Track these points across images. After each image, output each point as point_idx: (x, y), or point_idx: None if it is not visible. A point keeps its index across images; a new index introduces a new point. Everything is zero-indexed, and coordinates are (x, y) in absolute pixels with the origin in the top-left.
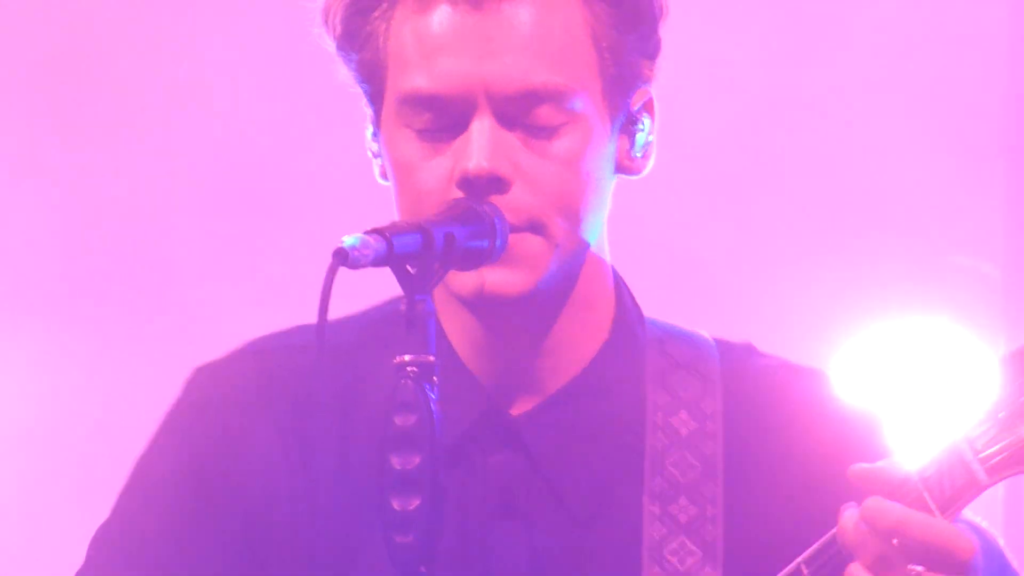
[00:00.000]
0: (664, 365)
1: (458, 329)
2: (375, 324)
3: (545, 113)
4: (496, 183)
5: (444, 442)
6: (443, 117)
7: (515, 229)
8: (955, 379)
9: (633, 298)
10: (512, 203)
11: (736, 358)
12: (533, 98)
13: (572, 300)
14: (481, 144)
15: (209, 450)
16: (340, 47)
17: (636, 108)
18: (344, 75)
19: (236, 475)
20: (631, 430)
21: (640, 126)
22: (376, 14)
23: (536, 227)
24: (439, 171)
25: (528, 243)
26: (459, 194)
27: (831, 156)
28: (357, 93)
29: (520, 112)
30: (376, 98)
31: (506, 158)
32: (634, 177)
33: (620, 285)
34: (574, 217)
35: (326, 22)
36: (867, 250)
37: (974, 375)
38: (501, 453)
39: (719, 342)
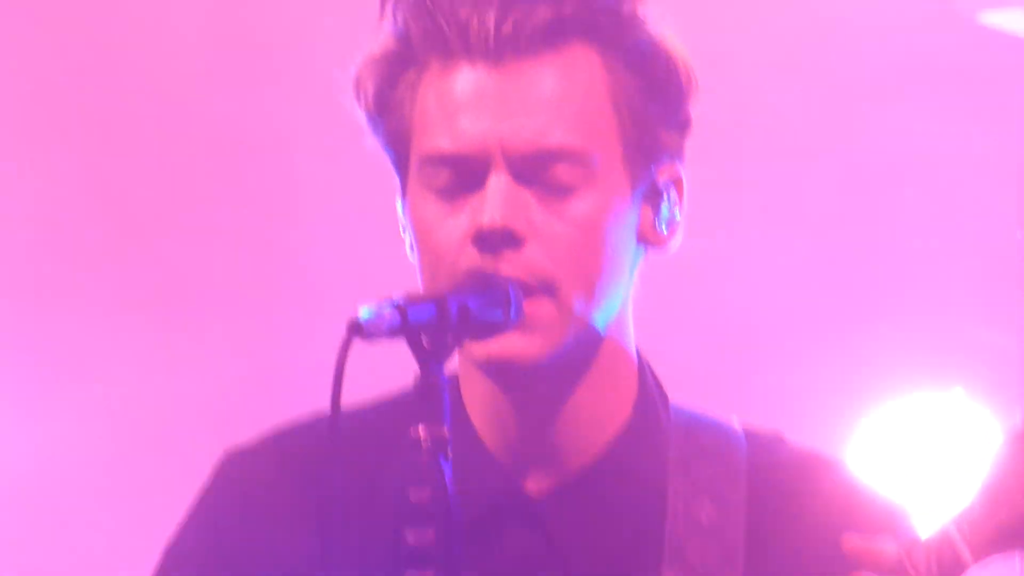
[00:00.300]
0: (688, 451)
1: (477, 399)
2: (392, 404)
3: (561, 172)
4: (510, 239)
5: (460, 518)
6: (461, 176)
7: (529, 292)
8: (969, 455)
9: (658, 380)
10: (526, 261)
11: (762, 447)
12: (549, 157)
13: (592, 375)
14: (496, 200)
15: (236, 535)
16: (370, 117)
17: (662, 182)
18: (373, 144)
19: (262, 558)
20: (651, 516)
21: (665, 200)
22: (404, 83)
23: (550, 289)
24: (456, 231)
25: (542, 308)
26: (475, 252)
27: (847, 228)
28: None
29: (536, 170)
30: (402, 165)
31: (521, 215)
32: (660, 252)
33: (644, 365)
34: (589, 280)
35: (357, 93)
36: (882, 324)
37: (987, 451)
38: (518, 532)
39: (747, 430)
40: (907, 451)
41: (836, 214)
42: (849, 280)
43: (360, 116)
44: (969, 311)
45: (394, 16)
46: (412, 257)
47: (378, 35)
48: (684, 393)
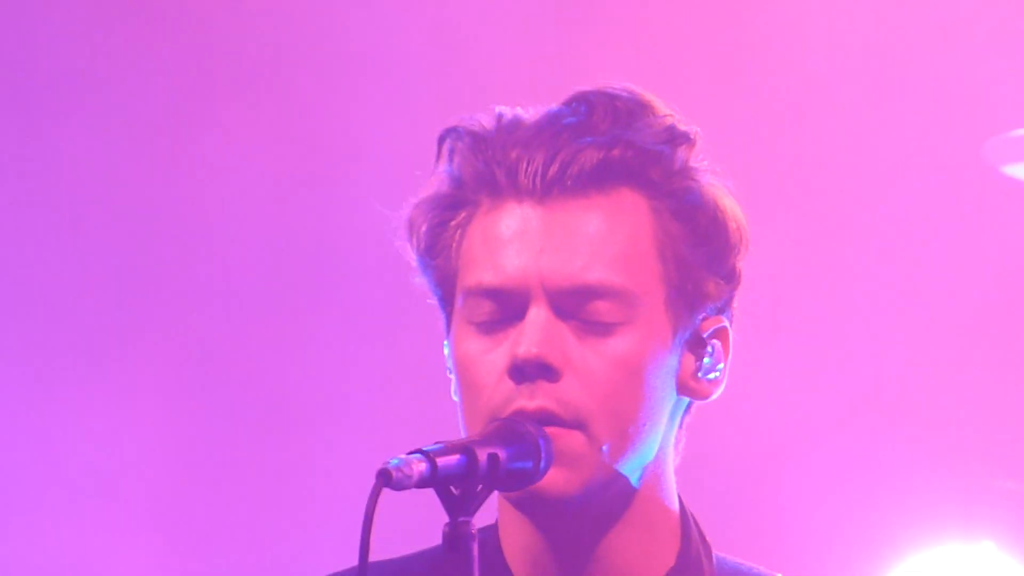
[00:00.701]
0: None
1: (515, 545)
2: (421, 556)
3: (602, 309)
4: (545, 371)
5: None
6: (503, 309)
7: (560, 423)
8: None
9: (701, 531)
10: (561, 394)
11: None
12: (589, 293)
13: (629, 521)
14: (533, 331)
15: None
16: (420, 257)
17: (707, 333)
18: (421, 283)
19: None
20: None
21: (709, 350)
22: (454, 224)
23: (582, 424)
24: (496, 365)
25: (573, 440)
26: (511, 385)
27: (880, 365)
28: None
29: (576, 306)
30: (448, 303)
31: (558, 348)
32: (700, 402)
33: (686, 515)
34: (623, 418)
35: (410, 234)
36: (911, 475)
37: None
38: None
39: None
40: None
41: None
42: (874, 431)
43: (411, 256)
44: (998, 462)
45: (449, 159)
46: (455, 396)
47: (432, 177)
48: (722, 541)
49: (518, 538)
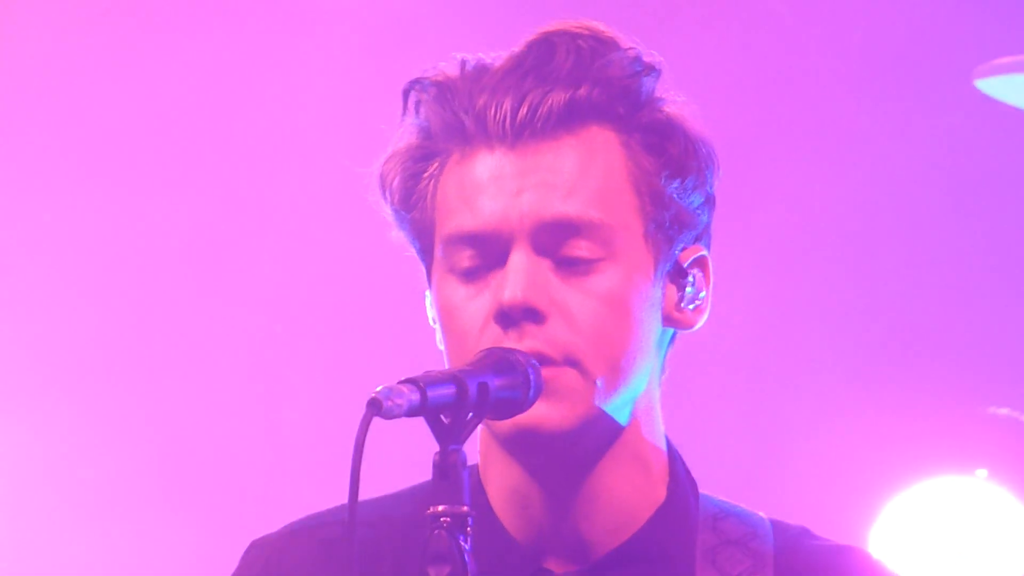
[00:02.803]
0: (715, 541)
1: (498, 483)
2: (413, 491)
3: (582, 246)
4: (531, 314)
5: None
6: (484, 255)
7: (552, 363)
8: (993, 539)
9: (687, 469)
10: (548, 336)
11: (790, 539)
12: (568, 229)
13: (618, 456)
14: (516, 276)
15: None
16: (395, 211)
17: (687, 263)
18: (398, 237)
19: None
20: None
21: (690, 279)
22: (427, 175)
23: (573, 362)
24: (480, 312)
25: (566, 376)
26: (498, 330)
27: (871, 300)
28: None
29: (556, 244)
30: (427, 254)
31: (542, 290)
32: (685, 331)
33: (674, 453)
34: (612, 355)
35: (383, 189)
36: (906, 407)
37: (1011, 534)
38: None
39: (774, 523)
40: (931, 535)
41: (863, 282)
42: (871, 363)
43: (386, 211)
44: (993, 392)
45: (416, 111)
46: (441, 345)
47: (400, 131)
48: (709, 479)
49: (503, 479)
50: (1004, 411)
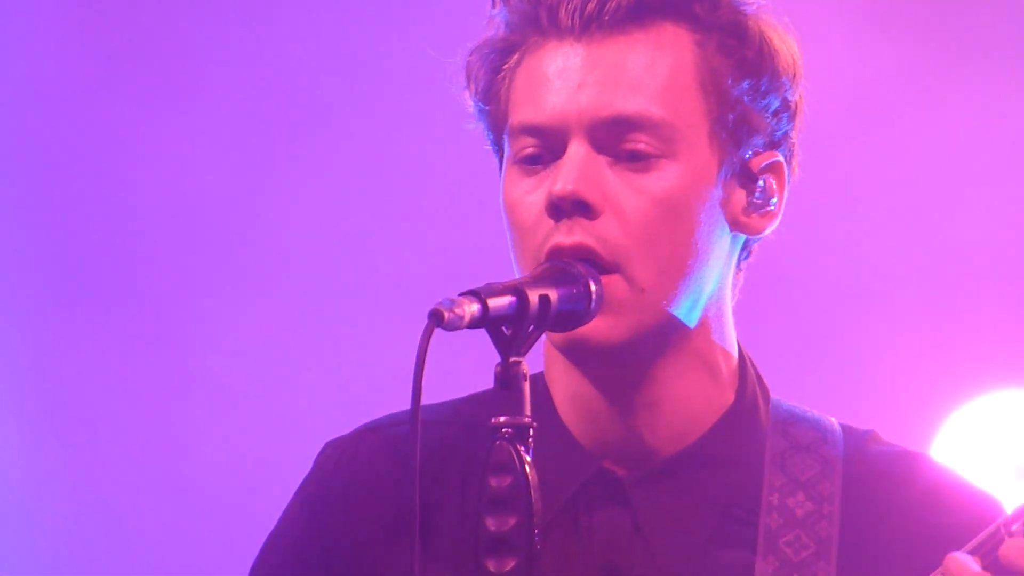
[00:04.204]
0: (784, 446)
1: (562, 389)
2: (477, 397)
3: (640, 143)
4: (582, 208)
5: (548, 507)
6: (545, 147)
7: (604, 270)
8: None
9: (759, 374)
10: (599, 233)
11: (858, 444)
12: (628, 125)
13: (683, 360)
14: (570, 167)
15: (334, 519)
16: (477, 104)
17: (758, 168)
18: (477, 128)
19: (358, 541)
20: (745, 507)
21: (760, 184)
22: (505, 67)
23: (619, 265)
24: (536, 203)
25: (613, 286)
26: (550, 223)
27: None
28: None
29: (615, 140)
30: (499, 147)
31: (595, 185)
32: (755, 237)
33: (745, 358)
34: (664, 260)
35: (468, 81)
36: (969, 324)
37: None
38: (606, 512)
39: (844, 428)
40: (992, 448)
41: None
42: (936, 281)
43: (469, 103)
44: None
45: (501, 2)
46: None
47: (486, 23)
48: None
49: (567, 384)
50: None
